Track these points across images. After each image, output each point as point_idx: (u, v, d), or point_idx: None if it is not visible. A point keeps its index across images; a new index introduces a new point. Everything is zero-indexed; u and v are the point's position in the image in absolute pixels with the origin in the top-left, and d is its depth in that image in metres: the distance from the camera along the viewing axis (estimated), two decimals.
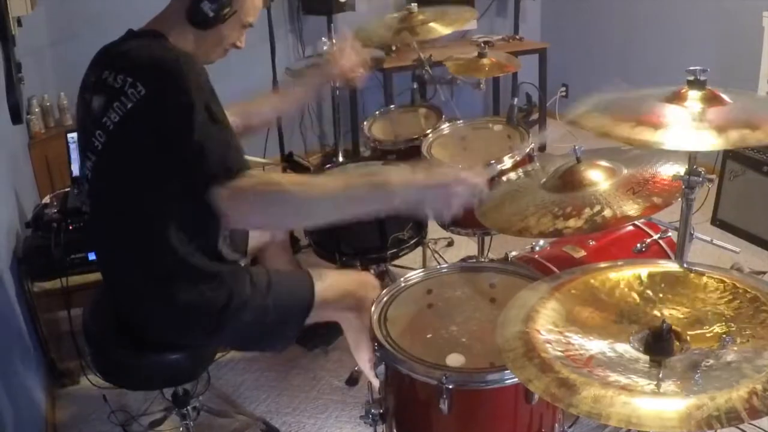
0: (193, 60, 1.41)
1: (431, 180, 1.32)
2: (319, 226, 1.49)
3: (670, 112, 1.20)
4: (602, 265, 1.27)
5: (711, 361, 0.98)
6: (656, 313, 1.12)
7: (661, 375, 0.96)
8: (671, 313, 1.11)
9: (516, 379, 1.24)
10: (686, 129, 1.15)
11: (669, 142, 1.13)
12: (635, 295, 1.17)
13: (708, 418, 0.84)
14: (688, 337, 1.05)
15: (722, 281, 1.16)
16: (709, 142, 1.11)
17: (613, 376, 0.95)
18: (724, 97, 1.22)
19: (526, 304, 1.17)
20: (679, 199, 1.35)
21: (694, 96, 1.22)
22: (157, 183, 1.39)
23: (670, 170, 1.41)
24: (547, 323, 1.10)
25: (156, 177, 1.39)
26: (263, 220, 1.45)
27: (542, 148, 3.82)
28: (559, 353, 1.02)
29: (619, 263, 1.27)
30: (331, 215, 1.40)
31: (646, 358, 1.02)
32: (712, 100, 1.21)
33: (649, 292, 1.17)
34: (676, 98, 1.22)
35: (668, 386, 0.93)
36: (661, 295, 1.16)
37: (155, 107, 1.36)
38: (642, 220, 1.93)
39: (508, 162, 2.13)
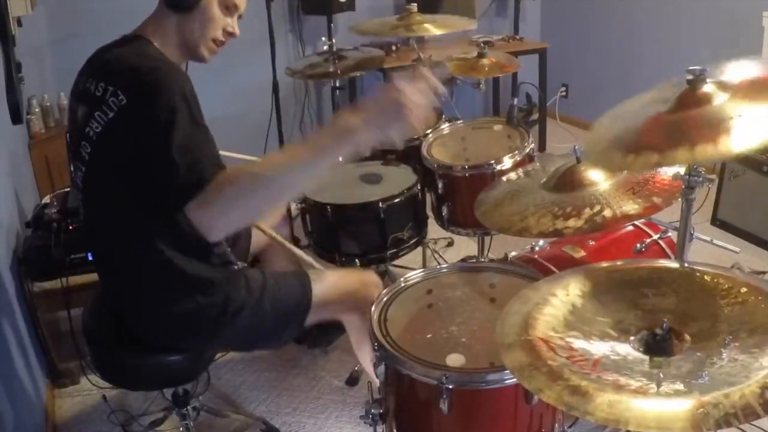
0: (174, 67, 1.37)
1: (382, 102, 1.23)
2: (302, 189, 1.39)
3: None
4: (598, 265, 1.27)
5: (714, 359, 0.97)
6: (654, 313, 1.11)
7: (663, 375, 0.96)
8: (668, 313, 1.11)
9: (516, 380, 1.24)
10: None
11: None
12: (632, 296, 1.17)
13: (726, 416, 0.84)
14: (688, 337, 1.05)
15: (719, 279, 1.15)
16: None
17: (623, 380, 0.95)
18: None
19: (521, 310, 1.16)
20: (679, 199, 1.35)
21: None
22: (140, 196, 1.37)
23: (670, 170, 1.41)
24: (547, 329, 1.09)
25: (138, 191, 1.37)
26: (241, 216, 1.30)
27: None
28: (564, 360, 1.01)
29: (618, 263, 1.26)
30: (306, 177, 1.31)
31: (648, 359, 1.01)
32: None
33: (645, 291, 1.17)
34: None
35: (677, 386, 0.92)
36: (656, 295, 1.16)
37: (135, 118, 1.34)
38: (642, 220, 1.93)
39: (508, 162, 2.14)
